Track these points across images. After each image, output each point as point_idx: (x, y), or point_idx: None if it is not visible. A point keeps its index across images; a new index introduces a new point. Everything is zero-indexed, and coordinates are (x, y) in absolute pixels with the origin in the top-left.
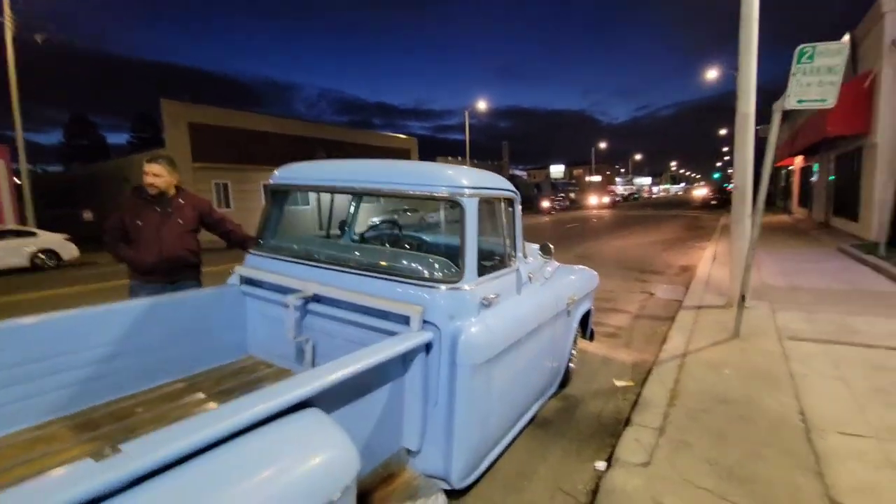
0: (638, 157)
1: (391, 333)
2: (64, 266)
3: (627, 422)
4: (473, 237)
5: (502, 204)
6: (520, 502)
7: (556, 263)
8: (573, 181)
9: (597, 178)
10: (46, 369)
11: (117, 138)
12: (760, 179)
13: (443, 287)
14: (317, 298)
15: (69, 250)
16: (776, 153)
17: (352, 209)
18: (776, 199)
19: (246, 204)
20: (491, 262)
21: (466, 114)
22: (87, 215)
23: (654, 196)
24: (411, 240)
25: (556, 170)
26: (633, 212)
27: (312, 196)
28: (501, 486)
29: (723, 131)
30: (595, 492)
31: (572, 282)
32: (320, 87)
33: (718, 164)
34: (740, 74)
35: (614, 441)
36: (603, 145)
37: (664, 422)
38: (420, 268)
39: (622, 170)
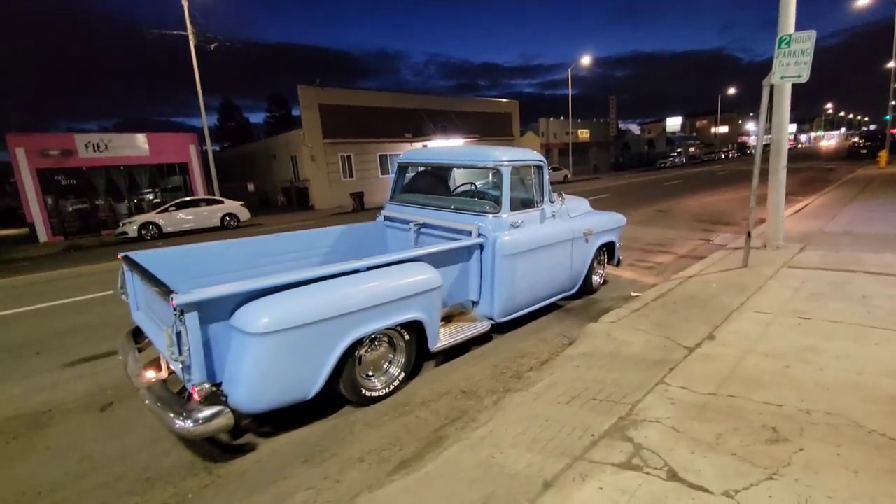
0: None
1: None
2: (242, 226)
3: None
4: (508, 189)
5: (532, 169)
6: (535, 336)
7: (587, 209)
8: (694, 134)
9: (723, 129)
10: (276, 266)
11: (255, 118)
12: (773, 142)
13: (489, 216)
14: (424, 225)
15: (244, 214)
16: None
17: (447, 175)
18: None
19: (365, 173)
20: (522, 204)
21: (569, 72)
22: (251, 187)
23: (799, 147)
24: (476, 192)
25: (674, 123)
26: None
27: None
28: (528, 330)
29: (891, 64)
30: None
31: (592, 220)
32: (426, 52)
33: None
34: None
35: None
36: (732, 91)
37: (642, 307)
38: (477, 206)
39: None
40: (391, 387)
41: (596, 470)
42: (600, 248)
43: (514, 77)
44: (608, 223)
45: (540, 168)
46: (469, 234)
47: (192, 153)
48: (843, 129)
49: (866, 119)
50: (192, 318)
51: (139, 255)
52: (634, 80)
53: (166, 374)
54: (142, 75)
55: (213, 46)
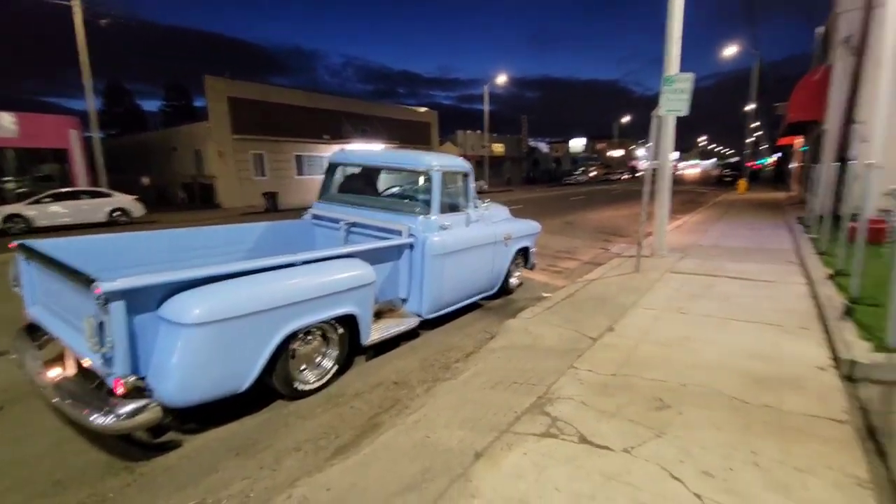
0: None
1: None
2: (136, 222)
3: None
4: (438, 193)
5: (459, 176)
6: (460, 331)
7: (506, 216)
8: (594, 155)
9: (619, 153)
10: (197, 261)
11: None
12: (658, 167)
13: (420, 217)
14: (354, 224)
15: (138, 209)
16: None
17: (375, 176)
18: (786, 176)
19: (280, 173)
20: (450, 207)
21: (486, 89)
22: (145, 180)
23: (676, 173)
24: (407, 194)
25: (577, 143)
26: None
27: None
28: (453, 326)
29: (750, 106)
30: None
31: (512, 226)
32: (345, 54)
33: (749, 140)
34: (662, 80)
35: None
36: (627, 119)
37: (553, 305)
38: (407, 208)
39: (650, 144)
40: (324, 380)
41: (520, 440)
42: (518, 252)
43: (432, 88)
44: (526, 230)
45: (466, 175)
46: (400, 233)
47: (73, 139)
48: (714, 160)
49: (731, 152)
50: (117, 308)
51: (41, 244)
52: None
53: (74, 371)
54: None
55: (103, 22)
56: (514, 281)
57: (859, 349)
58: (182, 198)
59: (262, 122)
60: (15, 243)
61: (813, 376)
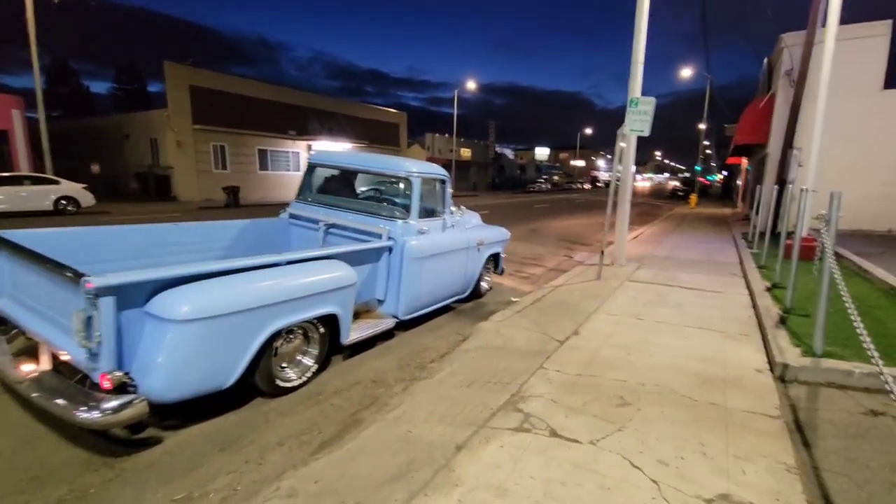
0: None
1: None
2: (82, 212)
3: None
4: (417, 198)
5: (437, 183)
6: (433, 333)
7: (478, 222)
8: (557, 164)
9: (580, 163)
10: (174, 257)
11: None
12: (621, 181)
13: (399, 221)
14: (333, 226)
15: (87, 198)
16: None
17: (354, 179)
18: (733, 193)
19: (241, 167)
20: (427, 213)
21: (456, 94)
22: (95, 168)
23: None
24: (386, 198)
25: (542, 152)
26: (602, 197)
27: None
28: (427, 328)
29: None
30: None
31: (483, 233)
32: (312, 48)
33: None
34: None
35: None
36: (590, 131)
37: (522, 309)
38: (387, 211)
39: (609, 156)
40: (304, 378)
41: (496, 434)
42: (489, 257)
43: (400, 88)
44: (496, 236)
45: (443, 182)
46: (379, 236)
47: (16, 120)
48: (667, 174)
49: (684, 168)
50: (106, 303)
51: (16, 235)
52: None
53: (49, 366)
54: None
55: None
56: (484, 285)
57: (791, 354)
58: (134, 188)
59: (225, 113)
60: None
61: (752, 377)
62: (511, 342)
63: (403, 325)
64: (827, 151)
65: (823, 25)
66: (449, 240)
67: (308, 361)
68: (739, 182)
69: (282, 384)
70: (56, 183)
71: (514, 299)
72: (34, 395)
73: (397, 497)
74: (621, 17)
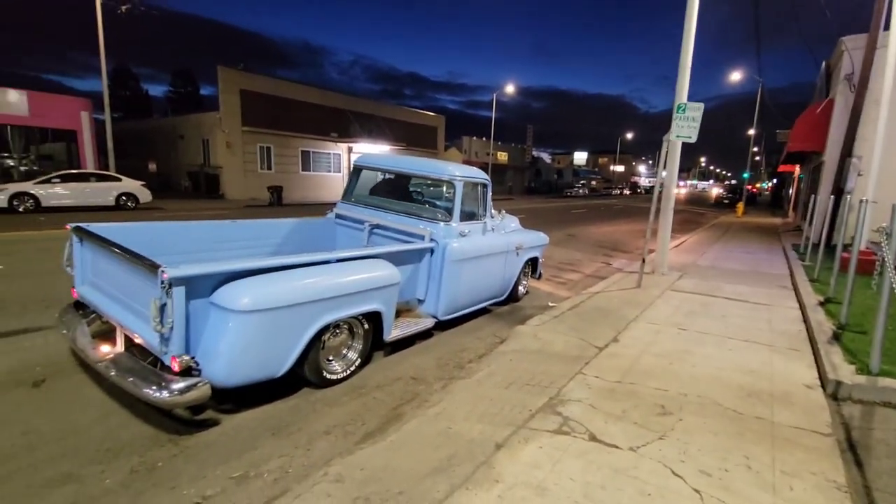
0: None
1: None
2: (140, 208)
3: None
4: (459, 202)
5: (479, 187)
6: (471, 334)
7: (517, 226)
8: (596, 169)
9: (620, 168)
10: (234, 252)
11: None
12: (664, 188)
13: (441, 223)
14: (377, 226)
15: (145, 195)
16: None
17: (397, 181)
18: (783, 202)
19: (285, 167)
20: (469, 216)
21: (494, 97)
22: (152, 167)
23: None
24: (429, 200)
25: (580, 157)
26: (642, 203)
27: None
28: (464, 329)
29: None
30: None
31: (522, 237)
32: (354, 52)
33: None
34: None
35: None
36: (630, 135)
37: (560, 314)
38: (430, 214)
39: (650, 161)
40: (349, 371)
41: (536, 435)
42: (527, 261)
43: (438, 91)
44: (535, 241)
45: (485, 186)
46: (422, 238)
47: (84, 121)
48: (712, 181)
49: (729, 174)
50: (178, 293)
51: (98, 228)
52: (549, 113)
53: (122, 348)
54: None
55: (124, 8)
56: (521, 289)
57: (844, 371)
58: (187, 186)
59: (272, 116)
60: (70, 225)
61: (801, 393)
62: (549, 346)
63: (442, 325)
64: (888, 161)
65: (886, 29)
66: (489, 243)
67: (352, 355)
68: (791, 190)
69: (328, 376)
70: (118, 180)
71: (551, 304)
72: (112, 374)
73: (439, 489)
74: (669, 20)
